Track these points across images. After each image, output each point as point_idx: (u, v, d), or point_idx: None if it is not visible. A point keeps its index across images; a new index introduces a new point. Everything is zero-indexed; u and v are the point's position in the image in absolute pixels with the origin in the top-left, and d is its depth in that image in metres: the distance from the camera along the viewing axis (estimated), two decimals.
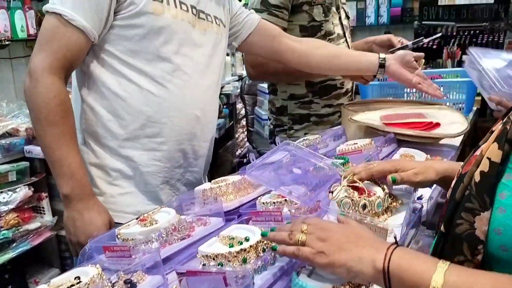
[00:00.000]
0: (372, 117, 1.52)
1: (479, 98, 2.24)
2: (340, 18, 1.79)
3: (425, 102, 1.75)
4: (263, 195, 1.00)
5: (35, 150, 1.96)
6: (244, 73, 3.92)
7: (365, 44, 1.91)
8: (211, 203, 0.96)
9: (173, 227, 0.83)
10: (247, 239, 0.75)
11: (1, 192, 1.86)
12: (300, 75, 1.69)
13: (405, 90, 1.93)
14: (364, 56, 1.51)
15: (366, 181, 0.90)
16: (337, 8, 1.78)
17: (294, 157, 1.09)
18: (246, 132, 4.16)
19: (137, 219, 0.89)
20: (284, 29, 1.63)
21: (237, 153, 4.21)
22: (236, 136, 4.23)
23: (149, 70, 1.09)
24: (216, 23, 1.25)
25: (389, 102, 1.78)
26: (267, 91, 2.48)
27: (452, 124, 1.45)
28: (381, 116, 1.52)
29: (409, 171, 0.89)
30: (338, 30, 1.76)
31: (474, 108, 2.04)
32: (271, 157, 1.08)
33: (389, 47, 1.91)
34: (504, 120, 0.64)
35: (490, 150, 0.62)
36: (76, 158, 1.04)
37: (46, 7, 1.02)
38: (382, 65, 1.47)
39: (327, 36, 1.71)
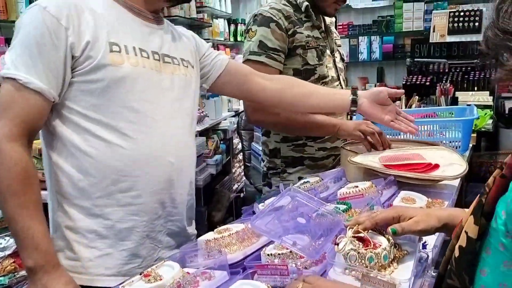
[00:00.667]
0: (372, 158, 1.53)
1: (474, 135, 2.27)
2: (334, 61, 1.83)
3: (422, 141, 1.77)
4: (267, 245, 1.00)
5: None
6: (241, 108, 3.96)
7: None
8: (215, 255, 0.95)
9: (177, 284, 0.82)
10: None
11: None
12: (299, 130, 1.71)
13: None
14: (336, 94, 1.52)
15: (370, 230, 0.90)
16: (332, 51, 1.81)
17: (297, 203, 1.09)
18: (243, 167, 4.17)
19: (140, 274, 0.88)
20: (280, 72, 1.66)
21: (234, 187, 4.20)
22: (233, 170, 4.23)
23: (115, 123, 1.06)
24: (183, 65, 1.23)
25: None
26: None
27: (451, 165, 1.46)
28: (380, 158, 1.53)
29: (410, 220, 0.89)
30: (332, 73, 1.79)
31: (470, 145, 2.07)
32: (275, 204, 1.08)
33: None
34: (481, 191, 0.62)
35: (467, 223, 0.60)
36: (40, 228, 0.98)
37: (1, 73, 1.00)
38: (354, 102, 1.48)
39: (320, 79, 1.73)
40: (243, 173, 4.24)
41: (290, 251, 0.90)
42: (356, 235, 0.88)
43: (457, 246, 0.59)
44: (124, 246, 1.10)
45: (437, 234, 0.99)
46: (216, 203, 3.82)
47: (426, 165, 1.45)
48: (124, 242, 1.10)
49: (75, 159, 1.06)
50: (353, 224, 0.90)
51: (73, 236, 1.08)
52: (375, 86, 4.87)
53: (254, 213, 1.24)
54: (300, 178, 1.67)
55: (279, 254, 0.91)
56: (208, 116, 3.68)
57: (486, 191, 0.59)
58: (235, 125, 3.95)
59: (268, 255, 0.92)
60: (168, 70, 1.17)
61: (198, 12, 4.15)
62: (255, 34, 1.65)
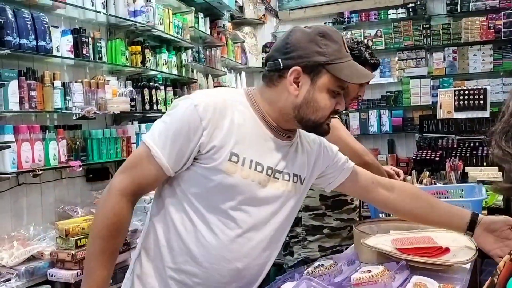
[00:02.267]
0: (384, 241, 1.59)
1: (485, 212, 2.31)
2: None
3: None
4: None
5: (58, 274, 2.02)
6: None
7: None
8: None
9: None
10: None
11: None
12: None
13: None
14: (455, 217, 1.51)
15: None
16: None
17: None
18: None
19: None
20: None
21: None
22: None
23: (208, 216, 1.18)
24: (293, 181, 1.29)
25: (397, 221, 1.86)
26: None
27: (462, 249, 1.50)
28: (391, 240, 1.59)
29: None
30: None
31: None
32: None
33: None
34: (493, 272, 0.70)
35: None
36: (105, 274, 1.14)
37: (144, 136, 1.20)
38: (471, 228, 1.47)
39: None
40: None
41: None
42: None
43: None
44: None
45: None
46: None
47: (437, 249, 1.50)
48: None
49: (167, 227, 1.21)
50: None
51: (138, 285, 1.24)
52: (387, 157, 4.98)
53: None
54: (320, 247, 1.73)
55: None
56: None
57: (498, 273, 0.68)
58: None
59: None
60: (274, 186, 1.24)
61: None
62: None
